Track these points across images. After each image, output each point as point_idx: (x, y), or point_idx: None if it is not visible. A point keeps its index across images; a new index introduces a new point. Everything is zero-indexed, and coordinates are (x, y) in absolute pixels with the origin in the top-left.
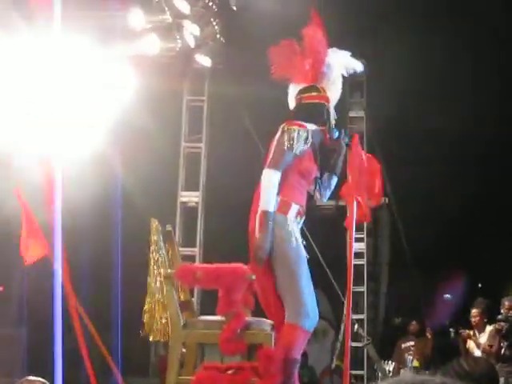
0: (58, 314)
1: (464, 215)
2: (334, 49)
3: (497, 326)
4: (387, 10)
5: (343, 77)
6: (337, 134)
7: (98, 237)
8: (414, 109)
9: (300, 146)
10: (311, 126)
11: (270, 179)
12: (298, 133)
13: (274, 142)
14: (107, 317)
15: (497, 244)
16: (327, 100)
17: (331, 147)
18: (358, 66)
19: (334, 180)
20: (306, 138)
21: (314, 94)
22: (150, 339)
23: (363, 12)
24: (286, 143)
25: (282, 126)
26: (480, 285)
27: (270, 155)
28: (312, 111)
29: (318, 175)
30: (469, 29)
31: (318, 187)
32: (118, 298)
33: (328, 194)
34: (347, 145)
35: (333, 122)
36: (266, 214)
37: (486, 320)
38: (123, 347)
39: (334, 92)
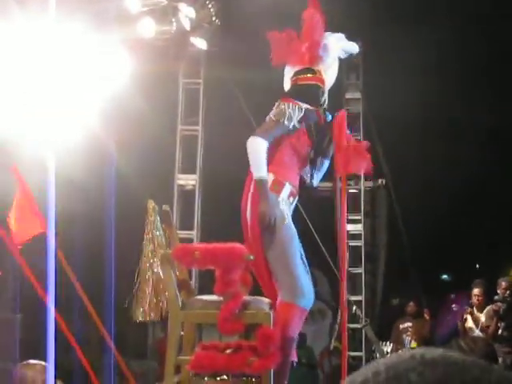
0: (51, 296)
1: (462, 196)
2: (330, 32)
3: (494, 306)
4: None
5: (339, 59)
6: (330, 117)
7: (91, 222)
8: (412, 90)
9: (292, 122)
10: (305, 105)
11: (256, 146)
12: (292, 108)
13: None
14: (101, 300)
15: (494, 225)
16: (322, 82)
17: (324, 131)
18: (354, 49)
19: (326, 163)
20: (300, 115)
21: (309, 75)
22: (140, 318)
23: None
24: (277, 116)
25: (277, 102)
26: (478, 265)
27: (261, 126)
28: (307, 92)
29: (312, 156)
30: (466, 19)
31: (311, 170)
32: (112, 280)
33: (320, 177)
34: (330, 121)
35: (325, 105)
36: (260, 180)
37: (486, 300)
38: (119, 329)
39: (329, 75)
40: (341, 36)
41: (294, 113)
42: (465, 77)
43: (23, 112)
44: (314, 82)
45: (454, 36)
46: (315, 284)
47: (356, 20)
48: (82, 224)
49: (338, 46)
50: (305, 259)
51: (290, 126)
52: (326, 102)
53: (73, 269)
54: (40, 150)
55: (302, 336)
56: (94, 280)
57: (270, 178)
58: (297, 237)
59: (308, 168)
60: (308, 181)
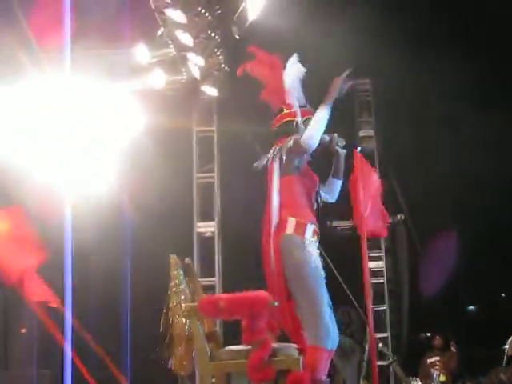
0: (69, 354)
1: (480, 223)
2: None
3: None
4: (391, 31)
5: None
6: (327, 138)
7: (109, 276)
8: (424, 123)
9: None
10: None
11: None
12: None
13: (275, 164)
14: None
15: None
16: (293, 115)
17: (329, 153)
18: (302, 68)
19: (338, 183)
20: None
21: (279, 115)
22: (176, 371)
23: (370, 32)
24: (289, 150)
25: (273, 149)
26: (503, 295)
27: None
28: (286, 131)
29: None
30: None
31: (319, 198)
32: (128, 335)
33: (334, 196)
34: (344, 147)
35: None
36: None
37: None
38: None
39: (296, 102)
40: (292, 61)
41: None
42: (478, 105)
43: (39, 168)
44: (285, 119)
45: (462, 67)
46: (351, 322)
47: (365, 58)
48: (97, 277)
49: (292, 72)
50: (329, 300)
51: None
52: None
53: (89, 327)
54: (57, 204)
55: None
56: (113, 334)
57: (292, 221)
58: (323, 279)
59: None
60: (326, 200)
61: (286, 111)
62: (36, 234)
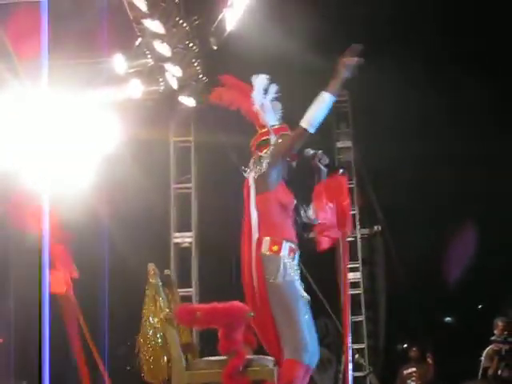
0: (46, 364)
1: (460, 234)
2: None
3: (494, 347)
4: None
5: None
6: (310, 152)
7: (85, 286)
8: (402, 135)
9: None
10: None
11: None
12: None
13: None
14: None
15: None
16: (267, 134)
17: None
18: (260, 80)
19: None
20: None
21: (256, 136)
22: (148, 379)
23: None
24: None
25: (253, 159)
26: (480, 306)
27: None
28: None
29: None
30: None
31: (300, 211)
32: (106, 345)
33: (310, 215)
34: (327, 166)
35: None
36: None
37: None
38: None
39: (269, 118)
40: (254, 79)
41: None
42: (458, 117)
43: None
44: (262, 138)
45: (442, 77)
46: (327, 333)
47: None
48: (74, 287)
49: (258, 90)
50: (310, 315)
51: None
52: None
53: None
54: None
55: None
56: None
57: (267, 240)
58: (301, 294)
59: (304, 210)
60: (311, 221)
61: (261, 130)
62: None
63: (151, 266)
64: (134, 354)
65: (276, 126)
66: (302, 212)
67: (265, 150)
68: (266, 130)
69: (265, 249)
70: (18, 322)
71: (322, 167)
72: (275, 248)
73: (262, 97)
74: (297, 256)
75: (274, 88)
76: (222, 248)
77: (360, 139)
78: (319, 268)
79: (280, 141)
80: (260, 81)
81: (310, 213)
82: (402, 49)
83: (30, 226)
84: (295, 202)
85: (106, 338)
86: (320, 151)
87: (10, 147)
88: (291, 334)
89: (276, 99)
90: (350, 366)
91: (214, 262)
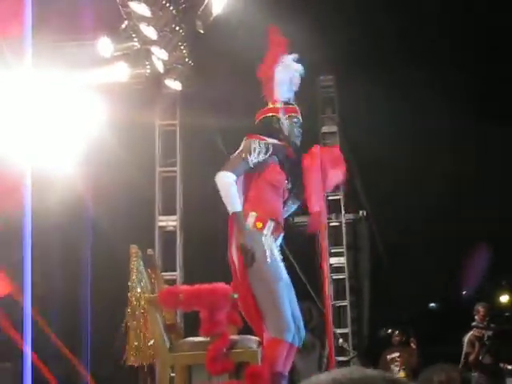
0: (29, 348)
1: (441, 222)
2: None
3: (476, 332)
4: (356, 27)
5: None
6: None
7: (68, 270)
8: (387, 121)
9: (258, 157)
10: (272, 140)
11: (223, 180)
12: (258, 144)
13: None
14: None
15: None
16: (276, 111)
17: (298, 166)
18: (300, 69)
19: (297, 204)
20: (267, 150)
21: (263, 109)
22: (129, 363)
23: (334, 29)
24: (242, 152)
25: (244, 140)
26: (464, 292)
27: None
28: (267, 125)
29: (289, 186)
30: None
31: (289, 199)
32: (88, 326)
33: (293, 208)
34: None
35: (296, 133)
36: (235, 214)
37: None
38: (108, 375)
39: (282, 92)
40: (290, 59)
41: (260, 148)
42: (442, 108)
43: None
44: (269, 114)
45: (428, 71)
46: (311, 318)
47: (330, 54)
48: (57, 269)
49: (287, 69)
50: (293, 294)
51: (253, 162)
52: (299, 135)
53: (49, 319)
54: (16, 194)
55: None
56: (72, 328)
57: (253, 216)
58: (282, 273)
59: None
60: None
61: (270, 105)
62: None
63: (133, 248)
64: (118, 338)
65: (287, 106)
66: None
67: (254, 139)
68: (278, 106)
69: (249, 224)
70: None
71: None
72: (259, 224)
73: (286, 73)
74: (280, 237)
75: (299, 67)
76: (207, 231)
77: (345, 124)
78: (303, 252)
79: (236, 154)
80: (290, 58)
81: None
82: (388, 31)
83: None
84: (288, 185)
85: (88, 322)
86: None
87: None
88: (272, 312)
89: (296, 78)
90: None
91: (198, 246)
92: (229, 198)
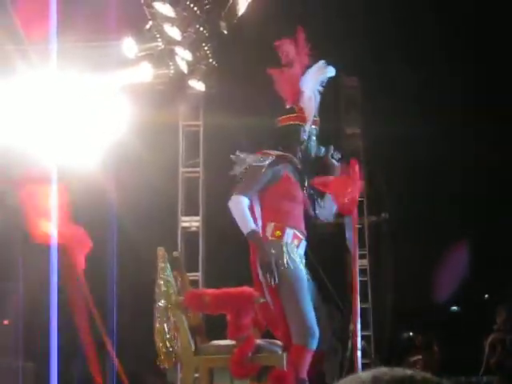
0: (54, 346)
1: (466, 224)
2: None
3: (497, 335)
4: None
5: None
6: (323, 150)
7: (93, 269)
8: (412, 125)
9: (267, 172)
10: (277, 153)
11: (236, 205)
12: (263, 158)
13: None
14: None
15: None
16: (303, 120)
17: (311, 167)
18: (331, 72)
19: (329, 197)
20: (275, 163)
21: (290, 115)
22: (160, 365)
23: (357, 30)
24: (252, 170)
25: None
26: (486, 296)
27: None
28: (287, 133)
29: (311, 193)
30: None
31: (313, 207)
32: (114, 327)
33: (326, 214)
34: (338, 160)
35: (313, 140)
36: (251, 233)
37: None
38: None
39: (310, 108)
40: (319, 65)
41: (262, 159)
42: (468, 109)
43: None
44: (293, 122)
45: (453, 71)
46: (332, 320)
47: (354, 55)
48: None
49: (316, 77)
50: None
51: (265, 167)
52: (313, 139)
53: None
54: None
55: (321, 375)
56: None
57: (271, 226)
58: (305, 280)
59: (315, 206)
60: (321, 219)
61: (296, 113)
62: None
63: (161, 250)
64: (144, 337)
65: (315, 118)
66: (316, 205)
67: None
68: (305, 116)
69: (268, 233)
70: (26, 304)
71: (336, 163)
72: (278, 233)
73: (315, 81)
74: (302, 244)
75: (331, 72)
76: (229, 232)
77: (369, 125)
78: (326, 254)
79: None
80: (320, 65)
81: (326, 203)
82: (412, 33)
83: (39, 210)
84: (307, 193)
85: (114, 321)
86: (331, 146)
87: (20, 130)
88: (298, 320)
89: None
90: (359, 353)
91: (221, 247)
92: (241, 221)
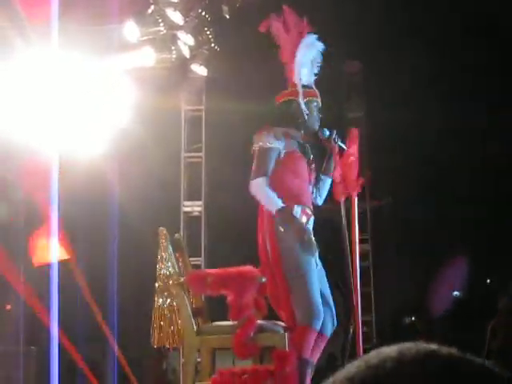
0: (55, 330)
1: (468, 210)
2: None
3: (499, 320)
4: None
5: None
6: (327, 133)
7: (95, 254)
8: (415, 106)
9: (274, 147)
10: (281, 129)
11: (257, 188)
12: (266, 135)
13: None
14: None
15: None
16: (296, 94)
17: (320, 148)
18: (319, 46)
19: (328, 182)
20: (279, 138)
21: (284, 91)
22: (155, 345)
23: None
24: (257, 148)
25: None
26: (489, 280)
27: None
28: (284, 110)
29: (314, 168)
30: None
31: (313, 188)
32: (115, 311)
33: (323, 196)
34: (342, 148)
35: (316, 118)
36: (281, 210)
37: None
38: (133, 358)
39: (303, 75)
40: (310, 39)
41: (269, 138)
42: (471, 94)
43: (27, 139)
44: (287, 98)
45: (455, 56)
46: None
47: (356, 40)
48: (85, 253)
49: (306, 51)
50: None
51: (276, 145)
52: (315, 112)
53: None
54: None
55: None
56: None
57: None
58: (312, 259)
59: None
60: (313, 201)
61: (290, 89)
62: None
63: (162, 230)
64: (145, 320)
65: (307, 89)
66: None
67: (262, 132)
68: (296, 89)
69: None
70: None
71: (339, 146)
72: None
73: (306, 54)
74: (311, 220)
75: (321, 46)
76: (231, 217)
77: (371, 110)
78: (327, 238)
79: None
80: (310, 38)
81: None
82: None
83: (39, 193)
84: (312, 167)
85: (115, 306)
86: (335, 131)
87: (21, 113)
88: (302, 298)
89: (317, 60)
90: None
91: (223, 231)
92: (268, 201)
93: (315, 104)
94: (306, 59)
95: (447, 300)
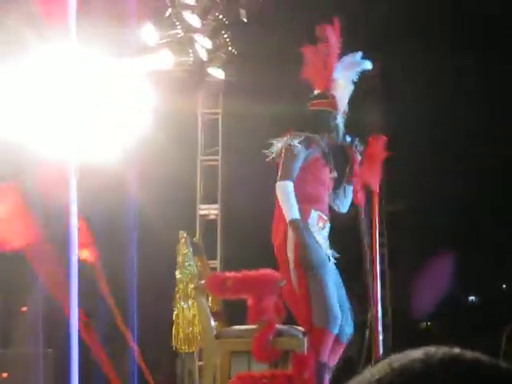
0: (75, 332)
1: (489, 215)
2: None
3: None
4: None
5: (357, 81)
6: (349, 139)
7: (114, 256)
8: (432, 110)
9: (301, 151)
10: (306, 134)
11: (283, 190)
12: (294, 138)
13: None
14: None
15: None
16: (334, 107)
17: (343, 155)
18: (367, 65)
19: (350, 189)
20: (306, 143)
21: (322, 100)
22: (174, 349)
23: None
24: (287, 152)
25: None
26: (504, 286)
27: (280, 169)
28: (316, 118)
29: (335, 176)
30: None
31: (335, 197)
32: (134, 313)
33: (346, 204)
34: (361, 154)
35: (341, 128)
36: (293, 222)
37: None
38: (150, 360)
39: (343, 98)
40: (356, 56)
41: (298, 143)
42: (492, 95)
43: (45, 141)
44: (324, 108)
45: (476, 56)
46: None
47: (375, 43)
48: (104, 256)
49: (352, 68)
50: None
51: (301, 157)
52: (341, 127)
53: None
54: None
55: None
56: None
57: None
58: (328, 263)
59: (333, 195)
60: (337, 209)
61: (328, 99)
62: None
63: (182, 234)
64: (163, 323)
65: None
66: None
67: (289, 136)
68: (334, 102)
69: None
70: (45, 291)
71: (359, 154)
72: (303, 215)
73: (349, 72)
74: (327, 226)
75: (365, 65)
76: (248, 220)
77: (389, 113)
78: (343, 241)
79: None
80: (356, 56)
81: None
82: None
83: (56, 196)
84: (333, 175)
85: (134, 308)
86: (357, 138)
87: (36, 116)
88: (319, 303)
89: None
90: (380, 337)
91: (239, 235)
92: (286, 206)
93: (343, 121)
94: (350, 76)
95: (462, 304)
